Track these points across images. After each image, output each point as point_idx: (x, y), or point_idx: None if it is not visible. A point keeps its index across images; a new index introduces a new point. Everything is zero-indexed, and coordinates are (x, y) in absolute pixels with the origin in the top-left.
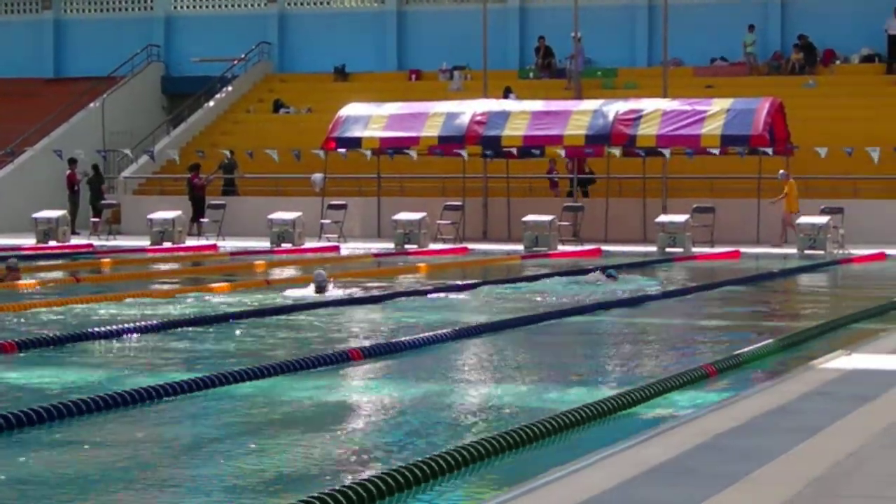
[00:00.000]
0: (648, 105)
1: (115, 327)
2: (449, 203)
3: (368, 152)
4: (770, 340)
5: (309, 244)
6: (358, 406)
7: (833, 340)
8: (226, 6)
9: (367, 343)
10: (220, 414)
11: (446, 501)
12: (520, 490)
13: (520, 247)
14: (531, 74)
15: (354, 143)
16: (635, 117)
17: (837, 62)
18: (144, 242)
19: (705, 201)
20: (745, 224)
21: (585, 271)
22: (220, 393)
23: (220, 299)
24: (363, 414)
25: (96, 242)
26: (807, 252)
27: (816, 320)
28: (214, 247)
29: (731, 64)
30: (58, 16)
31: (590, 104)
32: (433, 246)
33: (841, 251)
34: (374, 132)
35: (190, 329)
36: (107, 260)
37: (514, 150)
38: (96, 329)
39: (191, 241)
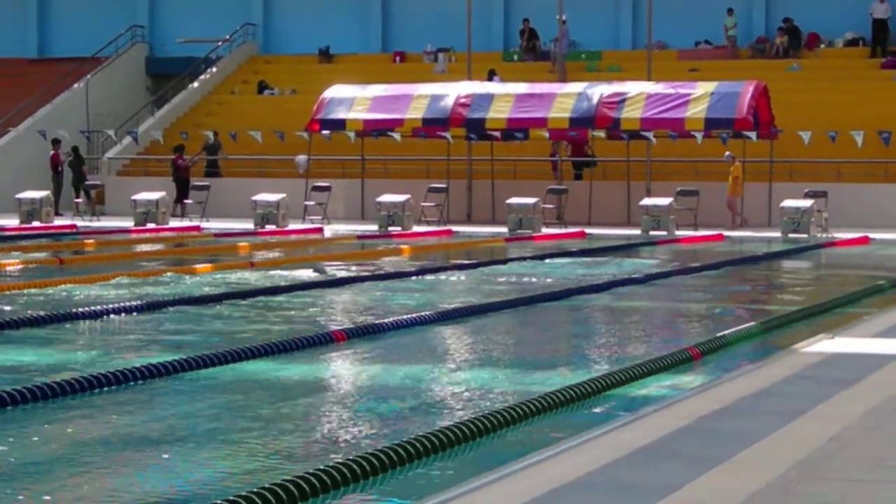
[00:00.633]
0: (633, 88)
1: (96, 307)
2: (433, 185)
3: (352, 134)
4: (753, 323)
5: (293, 226)
6: (341, 388)
7: (816, 324)
8: None
9: (350, 325)
10: (199, 396)
11: (426, 484)
12: (501, 472)
13: (504, 229)
14: (515, 57)
15: (338, 124)
16: (619, 100)
17: (822, 46)
18: (128, 223)
19: (689, 184)
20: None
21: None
22: (203, 375)
23: (202, 279)
24: (347, 396)
25: (80, 223)
26: (790, 235)
27: (800, 304)
28: (198, 227)
29: (715, 47)
30: None
31: (574, 87)
32: (417, 228)
33: (824, 235)
34: (359, 114)
35: (171, 309)
36: (90, 241)
37: (498, 133)
38: (79, 310)
39: (174, 223)
